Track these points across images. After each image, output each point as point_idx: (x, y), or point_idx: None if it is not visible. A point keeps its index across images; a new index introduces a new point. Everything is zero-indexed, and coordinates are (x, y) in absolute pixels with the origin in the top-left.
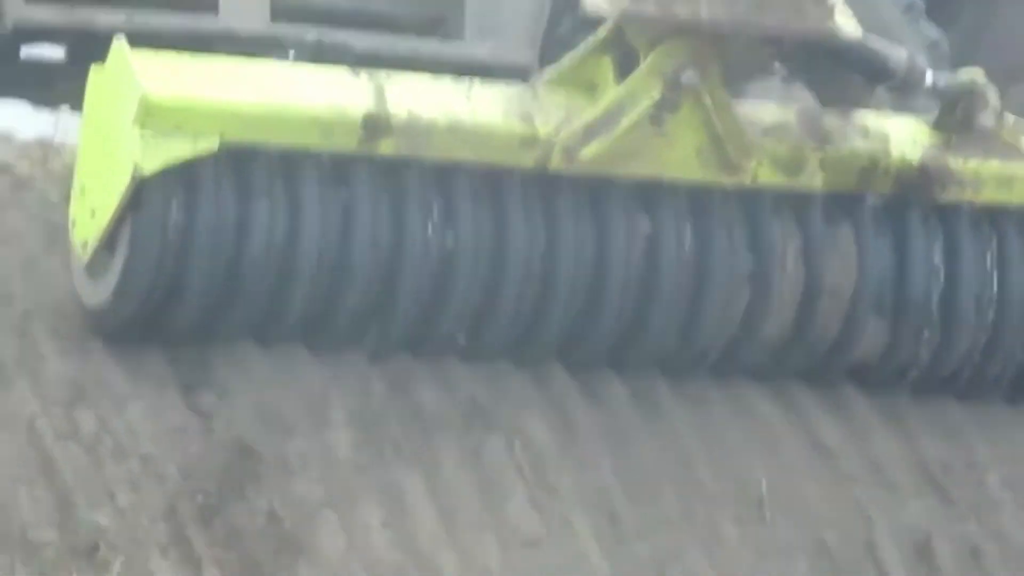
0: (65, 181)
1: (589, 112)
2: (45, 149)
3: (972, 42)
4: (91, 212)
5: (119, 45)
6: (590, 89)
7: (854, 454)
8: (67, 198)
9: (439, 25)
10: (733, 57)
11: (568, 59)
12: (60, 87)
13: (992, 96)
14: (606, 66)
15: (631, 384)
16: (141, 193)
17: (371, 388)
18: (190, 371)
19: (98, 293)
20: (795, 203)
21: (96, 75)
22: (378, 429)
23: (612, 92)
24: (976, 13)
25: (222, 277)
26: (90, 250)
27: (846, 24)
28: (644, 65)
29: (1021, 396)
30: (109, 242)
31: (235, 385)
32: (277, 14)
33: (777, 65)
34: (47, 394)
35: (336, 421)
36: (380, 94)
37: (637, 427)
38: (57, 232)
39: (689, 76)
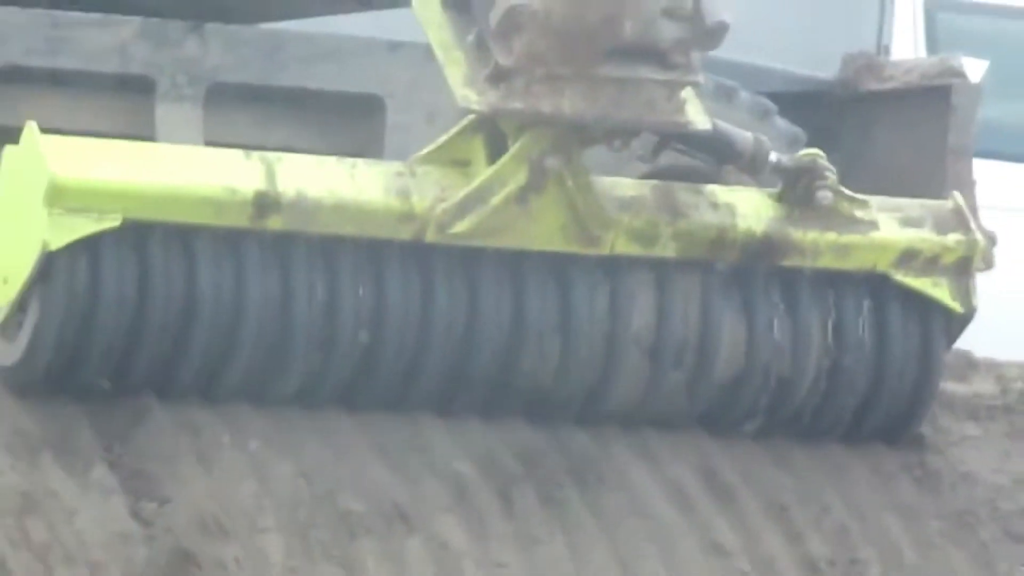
0: None
1: (461, 190)
2: None
3: (853, 163)
4: (3, 280)
5: (30, 128)
6: (463, 166)
7: (744, 552)
8: None
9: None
10: (591, 143)
11: (443, 138)
12: None
13: (831, 174)
14: (477, 146)
15: (543, 491)
16: (49, 264)
17: (300, 496)
18: (134, 482)
19: (11, 353)
20: (650, 268)
21: (9, 155)
22: (308, 533)
23: (483, 173)
24: (855, 138)
25: (123, 340)
26: (3, 314)
27: (696, 116)
28: (512, 150)
29: (856, 437)
30: (21, 306)
31: (176, 494)
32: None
33: (635, 144)
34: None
35: (268, 527)
36: (271, 173)
37: (547, 531)
38: None
39: (552, 161)
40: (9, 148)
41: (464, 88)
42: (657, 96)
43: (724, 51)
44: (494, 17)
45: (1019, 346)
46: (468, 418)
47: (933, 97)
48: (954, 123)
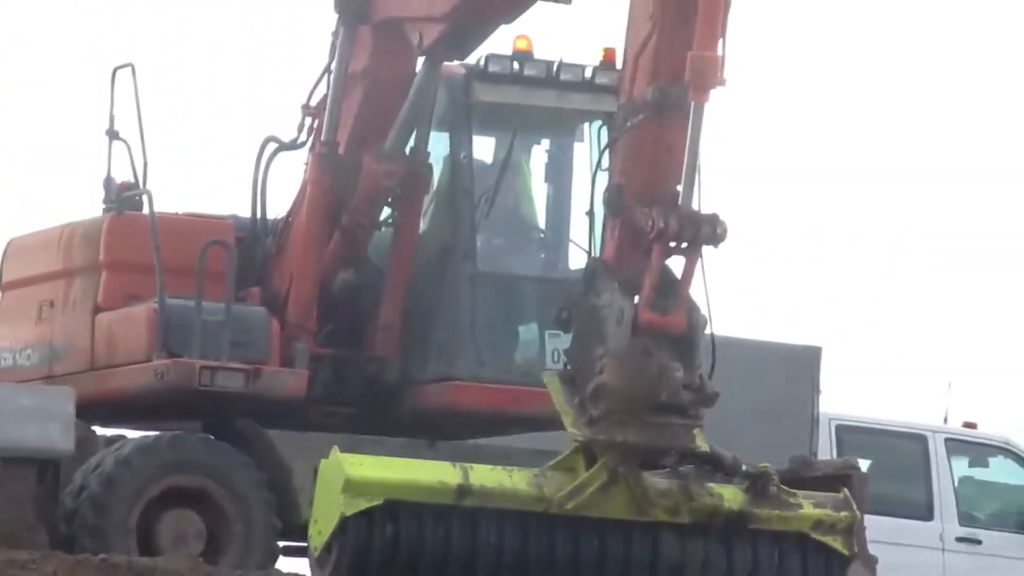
0: None
1: (570, 485)
2: None
3: None
4: (319, 532)
5: (335, 450)
6: (571, 471)
7: None
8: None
9: None
10: (645, 459)
11: (559, 457)
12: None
13: (775, 477)
14: (579, 460)
15: None
16: (344, 528)
17: None
18: None
19: (321, 573)
20: (675, 529)
21: (324, 464)
22: None
23: (582, 476)
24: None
25: (385, 569)
26: (318, 550)
27: (702, 443)
28: (599, 463)
29: None
30: (327, 548)
31: None
32: None
33: (669, 460)
34: None
35: None
36: (465, 474)
37: None
38: None
39: (622, 470)
40: (324, 460)
41: (572, 427)
42: (681, 432)
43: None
44: (589, 388)
45: None
46: None
47: (841, 480)
48: (855, 493)
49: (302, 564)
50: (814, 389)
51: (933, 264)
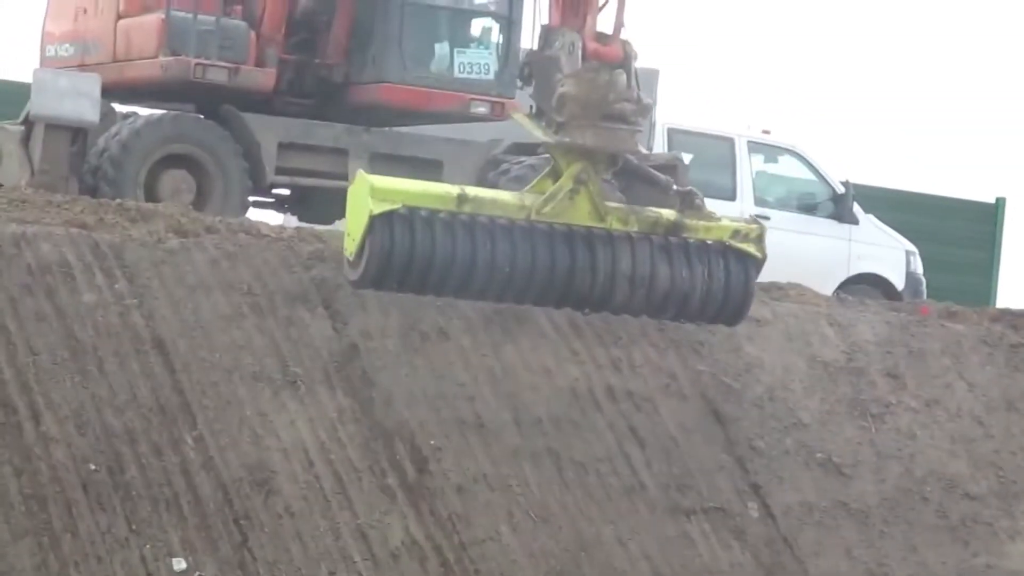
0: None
1: (546, 194)
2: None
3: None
4: (352, 240)
5: (361, 172)
6: (543, 192)
7: None
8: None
9: None
10: (602, 167)
11: (534, 182)
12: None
13: (700, 198)
14: (549, 184)
15: None
16: (372, 225)
17: None
18: None
19: (356, 273)
20: (627, 237)
21: (352, 186)
22: None
23: (553, 187)
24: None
25: (405, 266)
26: (351, 255)
27: (641, 147)
28: (565, 173)
29: (712, 319)
30: (359, 252)
31: None
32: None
33: (611, 179)
34: None
35: None
36: (464, 188)
37: None
38: None
39: (583, 175)
40: (351, 185)
41: (544, 136)
42: (626, 136)
43: None
44: (553, 101)
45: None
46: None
47: (669, 168)
48: (679, 179)
49: (266, 214)
50: (652, 102)
51: None
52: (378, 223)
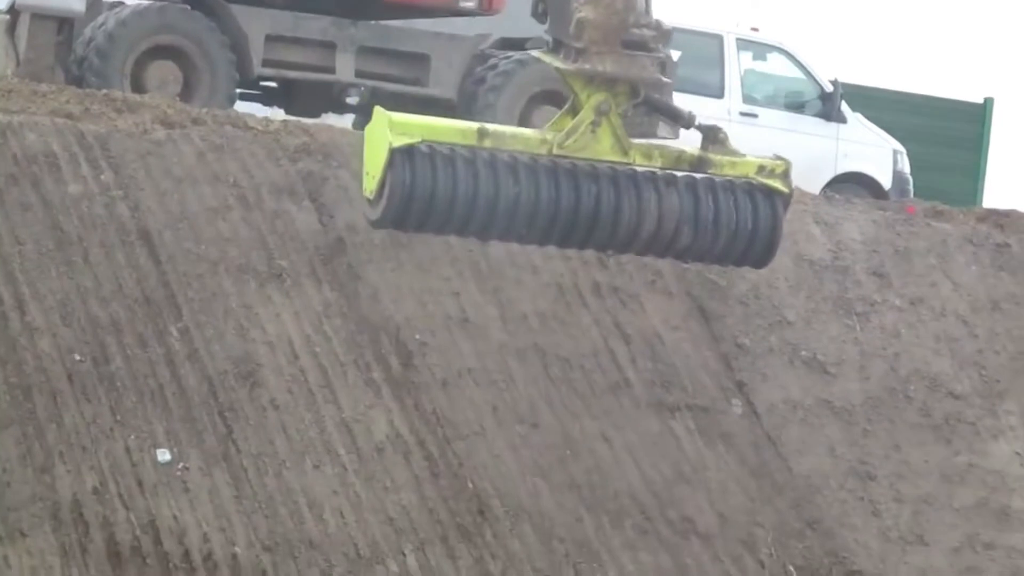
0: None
1: (567, 128)
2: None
3: None
4: (371, 178)
5: (378, 108)
6: (564, 127)
7: None
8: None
9: (416, 80)
10: (623, 98)
11: (556, 118)
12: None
13: (723, 132)
14: (568, 120)
15: None
16: (392, 159)
17: None
18: None
19: (376, 212)
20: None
21: (371, 123)
22: None
23: (574, 120)
24: None
25: (427, 202)
26: (370, 194)
27: (663, 77)
28: (585, 106)
29: (741, 259)
30: (379, 190)
31: None
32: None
33: (630, 113)
34: None
35: None
36: (484, 124)
37: None
38: None
39: (603, 106)
40: (368, 125)
41: (563, 66)
42: (647, 63)
43: None
44: (571, 27)
45: None
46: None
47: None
48: (667, 75)
49: (252, 107)
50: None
51: None
52: (398, 157)
